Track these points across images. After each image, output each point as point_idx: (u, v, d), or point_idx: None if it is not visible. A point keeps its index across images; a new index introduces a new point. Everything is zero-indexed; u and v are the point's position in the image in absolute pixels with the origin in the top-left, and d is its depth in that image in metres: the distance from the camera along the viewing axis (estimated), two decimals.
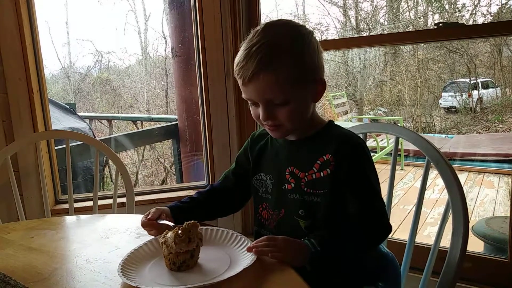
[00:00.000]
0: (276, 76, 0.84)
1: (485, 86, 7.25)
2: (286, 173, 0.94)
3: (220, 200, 1.06)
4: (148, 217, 0.94)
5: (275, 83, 0.84)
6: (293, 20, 0.95)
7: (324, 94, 0.96)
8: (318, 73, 0.90)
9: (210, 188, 1.09)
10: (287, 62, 0.84)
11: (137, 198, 1.92)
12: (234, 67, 0.89)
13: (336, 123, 0.97)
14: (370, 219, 0.86)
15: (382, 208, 0.87)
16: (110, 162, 3.88)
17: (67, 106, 3.95)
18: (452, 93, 7.38)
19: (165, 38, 6.51)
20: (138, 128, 4.26)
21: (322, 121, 0.96)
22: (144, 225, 0.95)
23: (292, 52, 0.85)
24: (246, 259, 0.79)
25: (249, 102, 0.92)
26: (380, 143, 4.94)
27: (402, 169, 4.83)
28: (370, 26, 7.26)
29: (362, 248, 0.88)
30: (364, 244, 0.87)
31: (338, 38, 6.89)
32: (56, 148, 2.04)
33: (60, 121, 3.47)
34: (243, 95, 0.91)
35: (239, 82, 0.89)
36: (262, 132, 1.04)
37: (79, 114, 4.14)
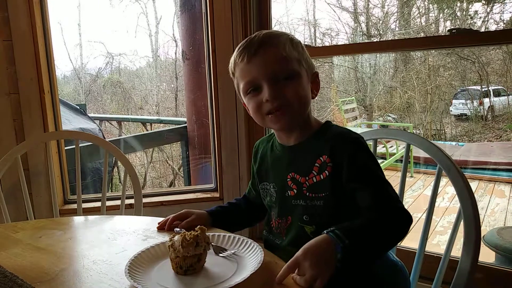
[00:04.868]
0: (281, 49, 0.88)
1: (497, 94, 7.16)
2: (288, 179, 0.93)
3: (253, 208, 1.10)
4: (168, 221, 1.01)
5: (281, 54, 0.87)
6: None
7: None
8: (313, 69, 0.94)
9: (244, 196, 1.14)
10: (287, 42, 0.89)
11: (145, 200, 1.92)
12: (234, 55, 0.92)
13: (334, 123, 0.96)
14: (386, 205, 0.80)
15: (395, 193, 0.83)
16: (119, 163, 3.89)
17: (78, 107, 3.99)
18: (463, 101, 7.30)
19: (175, 41, 6.57)
20: (147, 130, 4.29)
21: (318, 122, 0.96)
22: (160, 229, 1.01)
23: (289, 37, 0.91)
24: (253, 264, 0.78)
25: (248, 92, 0.90)
26: (390, 150, 4.90)
27: (411, 176, 4.78)
28: (381, 32, 7.23)
29: (389, 238, 0.79)
30: (389, 233, 0.78)
31: (348, 43, 6.87)
32: (66, 148, 2.05)
33: (70, 122, 3.50)
34: (242, 83, 0.91)
35: (240, 64, 0.90)
36: (263, 140, 1.06)
37: (89, 115, 4.17)
